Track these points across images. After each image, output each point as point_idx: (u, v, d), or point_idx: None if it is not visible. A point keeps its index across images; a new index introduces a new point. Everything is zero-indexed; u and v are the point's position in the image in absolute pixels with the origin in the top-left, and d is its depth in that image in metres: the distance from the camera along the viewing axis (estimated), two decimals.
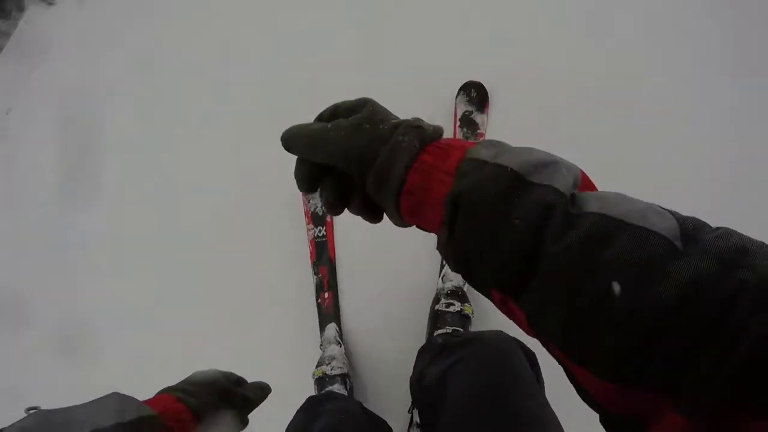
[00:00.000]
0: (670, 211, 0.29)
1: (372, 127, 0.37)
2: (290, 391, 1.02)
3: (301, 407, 0.91)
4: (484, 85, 1.13)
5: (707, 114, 1.08)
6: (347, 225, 1.22)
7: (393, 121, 0.38)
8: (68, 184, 1.49)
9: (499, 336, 0.75)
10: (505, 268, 0.30)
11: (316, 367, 1.09)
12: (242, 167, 1.37)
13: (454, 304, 1.01)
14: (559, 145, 1.05)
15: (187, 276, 1.31)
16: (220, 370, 0.63)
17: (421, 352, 0.91)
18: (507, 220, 0.30)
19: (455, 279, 1.05)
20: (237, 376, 0.65)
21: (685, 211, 0.29)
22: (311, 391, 1.08)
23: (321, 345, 1.15)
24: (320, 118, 0.42)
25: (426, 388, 0.77)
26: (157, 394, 0.55)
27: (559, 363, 0.31)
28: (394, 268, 1.17)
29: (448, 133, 1.10)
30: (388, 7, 1.36)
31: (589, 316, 0.27)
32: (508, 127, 1.14)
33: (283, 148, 0.41)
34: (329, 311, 1.20)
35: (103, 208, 1.45)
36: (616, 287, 0.26)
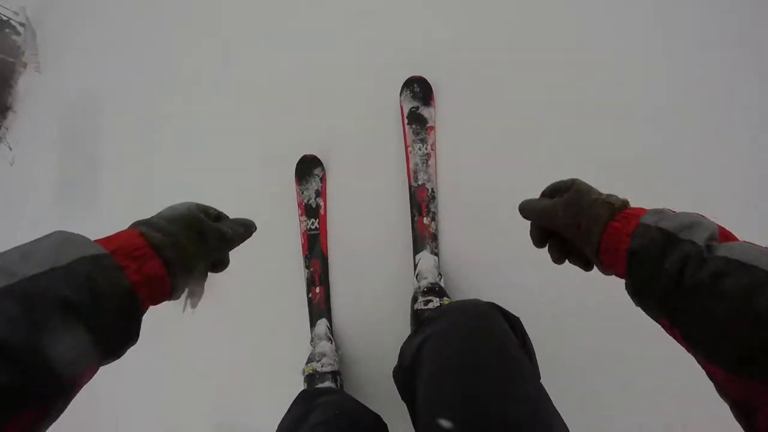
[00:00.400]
0: None
1: (578, 202, 0.54)
2: (280, 386, 1.06)
3: (295, 400, 0.93)
4: (426, 79, 1.13)
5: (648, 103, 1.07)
6: (340, 220, 1.24)
7: (593, 196, 0.54)
8: (67, 190, 1.59)
9: (475, 302, 0.78)
10: (661, 300, 0.44)
11: (307, 363, 1.11)
12: (235, 156, 1.39)
13: (432, 301, 1.02)
14: (507, 130, 1.08)
15: None
16: (197, 202, 0.55)
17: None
18: (661, 267, 0.44)
19: (429, 276, 1.06)
20: (217, 210, 0.57)
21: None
22: (301, 386, 1.10)
23: (312, 341, 1.17)
24: (543, 194, 0.61)
25: (403, 365, 0.79)
26: (128, 228, 0.47)
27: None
28: (386, 265, 1.18)
29: (398, 131, 1.17)
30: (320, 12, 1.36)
31: (721, 323, 0.39)
32: (457, 117, 1.13)
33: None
34: (320, 306, 1.22)
35: (103, 208, 1.53)
36: (741, 303, 0.37)
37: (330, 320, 1.22)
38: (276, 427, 0.83)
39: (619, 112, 1.05)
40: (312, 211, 1.25)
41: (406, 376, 0.77)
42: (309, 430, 0.77)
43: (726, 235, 0.45)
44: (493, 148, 1.11)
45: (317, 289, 1.22)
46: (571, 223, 0.54)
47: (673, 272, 0.43)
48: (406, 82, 1.15)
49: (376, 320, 1.18)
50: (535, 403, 0.62)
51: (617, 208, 0.51)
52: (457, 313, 0.76)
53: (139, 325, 0.44)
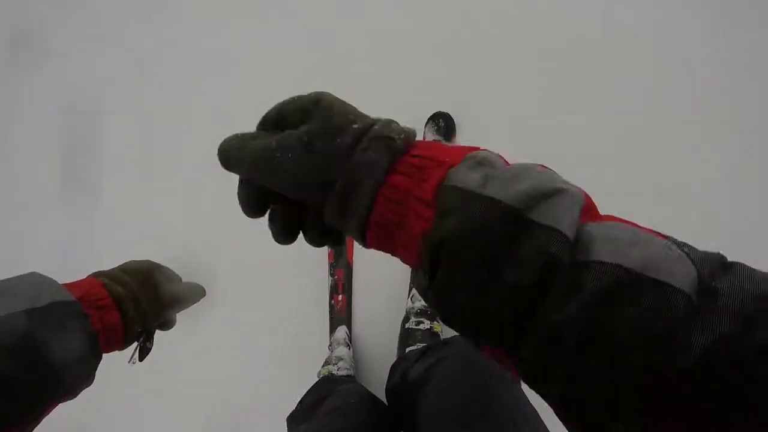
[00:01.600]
0: (686, 249, 0.25)
1: (326, 141, 0.30)
2: (293, 386, 1.06)
3: (314, 385, 0.96)
4: (451, 115, 1.22)
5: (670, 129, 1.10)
6: None
7: (355, 127, 0.31)
8: (68, 187, 1.60)
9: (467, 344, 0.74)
10: (495, 332, 0.26)
11: (323, 366, 1.15)
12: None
13: (423, 322, 1.05)
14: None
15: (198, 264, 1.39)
16: (155, 261, 0.58)
17: (393, 368, 0.93)
18: (498, 276, 0.25)
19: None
20: (172, 271, 0.60)
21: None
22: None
23: (330, 345, 1.22)
24: (264, 122, 0.35)
25: (409, 384, 0.77)
26: (87, 276, 0.50)
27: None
28: (405, 278, 1.23)
29: None
30: (357, 43, 1.41)
31: (593, 391, 0.24)
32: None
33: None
34: (341, 314, 1.26)
35: (103, 209, 1.55)
36: (628, 373, 0.23)
37: (350, 327, 1.27)
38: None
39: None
40: None
41: (409, 397, 0.74)
42: (324, 416, 0.77)
43: (591, 207, 0.28)
44: None
45: (340, 297, 1.28)
46: (310, 184, 0.31)
47: (522, 291, 0.25)
48: (432, 115, 1.24)
49: (394, 331, 1.21)
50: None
51: (399, 146, 0.30)
52: (465, 348, 0.73)
53: (96, 369, 0.48)
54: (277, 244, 0.36)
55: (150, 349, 0.56)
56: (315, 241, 0.37)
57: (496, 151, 0.30)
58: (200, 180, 1.42)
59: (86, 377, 0.46)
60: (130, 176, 1.56)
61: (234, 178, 0.35)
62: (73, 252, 1.51)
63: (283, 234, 0.36)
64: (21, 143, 1.69)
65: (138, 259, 0.57)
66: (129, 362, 0.55)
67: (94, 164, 1.59)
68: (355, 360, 1.23)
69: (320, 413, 0.79)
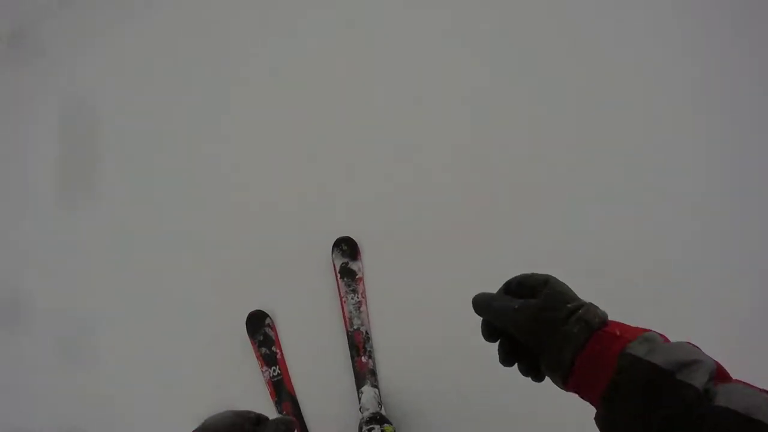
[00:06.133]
0: None
1: (547, 314, 0.48)
2: None
3: None
4: (352, 238, 1.38)
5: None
6: (299, 362, 1.38)
7: (568, 306, 0.48)
8: (68, 186, 1.60)
9: None
10: None
11: None
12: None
13: (374, 428, 1.14)
14: (431, 272, 1.31)
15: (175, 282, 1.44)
16: (234, 410, 0.57)
17: None
18: (652, 409, 0.39)
19: (371, 407, 1.21)
20: (255, 414, 0.58)
21: None
22: None
23: None
24: (508, 285, 0.55)
25: None
26: None
27: None
28: (336, 401, 1.31)
29: (331, 283, 1.40)
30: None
31: None
32: (381, 268, 1.38)
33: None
34: None
35: (103, 210, 1.55)
36: None
37: None
38: None
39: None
40: (270, 358, 1.37)
41: None
42: None
43: (722, 374, 0.42)
44: (414, 287, 1.35)
45: None
46: (536, 340, 0.49)
47: (668, 417, 0.38)
48: (335, 242, 1.38)
49: None
50: None
51: (596, 324, 0.47)
52: None
53: None
54: None
55: None
56: (525, 372, 0.53)
57: (658, 331, 0.47)
58: (200, 179, 1.52)
59: None
60: (130, 176, 1.59)
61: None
62: (73, 252, 1.52)
63: (506, 360, 0.53)
64: (21, 143, 1.70)
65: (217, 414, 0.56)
66: None
67: (93, 164, 1.61)
68: None
69: None
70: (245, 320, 1.41)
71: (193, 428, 0.54)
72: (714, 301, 1.23)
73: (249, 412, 0.58)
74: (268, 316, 1.42)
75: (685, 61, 1.38)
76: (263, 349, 1.39)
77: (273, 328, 1.42)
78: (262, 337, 1.40)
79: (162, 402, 1.43)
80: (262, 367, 1.38)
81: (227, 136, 1.59)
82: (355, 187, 1.46)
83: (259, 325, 1.41)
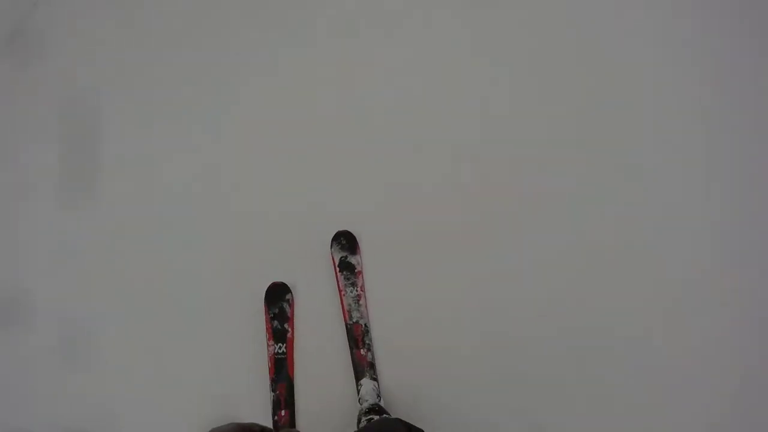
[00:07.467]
0: None
1: None
2: None
3: None
4: (351, 232, 1.39)
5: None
6: (306, 342, 1.38)
7: None
8: (67, 187, 1.61)
9: (386, 419, 0.94)
10: None
11: None
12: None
13: (373, 419, 1.15)
14: (429, 266, 1.33)
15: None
16: (238, 422, 0.56)
17: None
18: None
19: (370, 399, 1.22)
20: (260, 426, 0.58)
21: None
22: None
23: None
24: None
25: None
26: None
27: None
28: (336, 389, 1.31)
29: (330, 276, 1.40)
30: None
31: None
32: (380, 262, 1.38)
33: None
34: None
35: (103, 209, 1.57)
36: None
37: None
38: None
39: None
40: (280, 335, 1.37)
41: None
42: None
43: None
44: (413, 281, 1.36)
45: (282, 413, 1.31)
46: None
47: None
48: (334, 236, 1.40)
49: None
50: None
51: None
52: (371, 427, 0.93)
53: None
54: None
55: None
56: None
57: None
58: (200, 180, 1.53)
59: None
60: (129, 176, 1.61)
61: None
62: (73, 252, 1.53)
63: None
64: (20, 142, 1.71)
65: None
66: None
67: (93, 164, 1.63)
68: None
69: None
70: (265, 290, 1.41)
71: None
72: (714, 301, 1.23)
73: (254, 425, 0.58)
74: (290, 291, 1.41)
75: (685, 61, 1.39)
76: (275, 323, 1.38)
77: (291, 305, 1.41)
78: (277, 310, 1.39)
79: (162, 402, 1.44)
80: (269, 340, 1.38)
81: (229, 132, 1.60)
82: (355, 182, 1.48)
83: (279, 296, 1.40)
